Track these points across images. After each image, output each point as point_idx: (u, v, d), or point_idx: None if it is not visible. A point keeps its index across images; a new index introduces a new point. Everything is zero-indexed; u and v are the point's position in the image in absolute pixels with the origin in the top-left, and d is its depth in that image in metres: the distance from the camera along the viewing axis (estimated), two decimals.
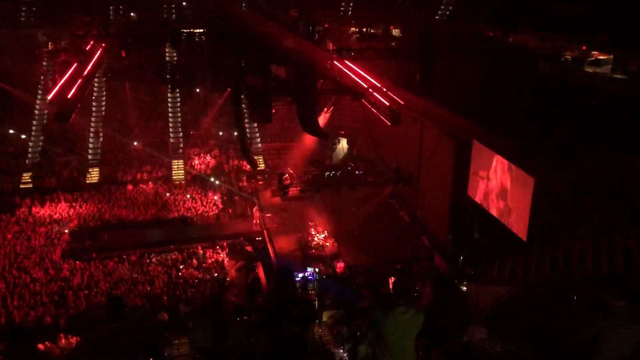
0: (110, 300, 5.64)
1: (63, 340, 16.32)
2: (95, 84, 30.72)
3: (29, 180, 29.73)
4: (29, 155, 30.72)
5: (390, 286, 5.59)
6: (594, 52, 17.17)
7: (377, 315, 5.18)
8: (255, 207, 26.99)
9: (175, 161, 31.50)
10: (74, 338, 16.27)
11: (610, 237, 14.52)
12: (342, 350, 16.76)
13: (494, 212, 19.42)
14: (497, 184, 18.97)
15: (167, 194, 29.04)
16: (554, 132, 15.86)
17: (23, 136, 31.24)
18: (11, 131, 31.22)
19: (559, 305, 11.67)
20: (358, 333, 16.92)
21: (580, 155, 14.61)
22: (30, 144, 30.97)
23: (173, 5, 31.99)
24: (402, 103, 21.42)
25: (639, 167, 13.22)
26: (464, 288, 18.09)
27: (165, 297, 20.16)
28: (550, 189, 16.07)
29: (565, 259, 15.38)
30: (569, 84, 16.58)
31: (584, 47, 17.44)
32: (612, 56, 16.64)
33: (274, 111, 24.12)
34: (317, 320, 17.78)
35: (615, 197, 14.02)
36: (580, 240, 15.23)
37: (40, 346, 15.97)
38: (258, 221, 26.30)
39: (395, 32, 26.00)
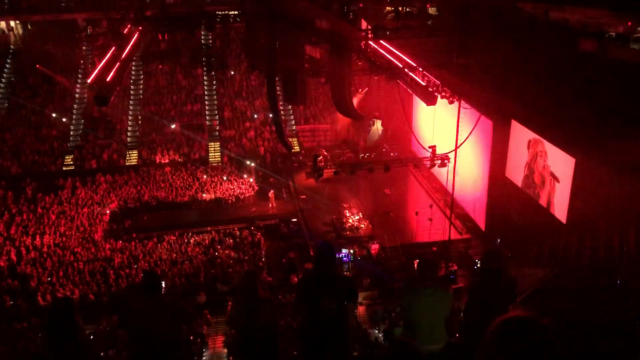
0: (146, 275, 5.67)
1: (105, 321, 16.76)
2: (133, 68, 31.21)
3: (71, 162, 30.55)
4: (71, 138, 31.52)
5: (415, 267, 5.53)
6: None
7: (405, 299, 5.14)
8: (271, 192, 27.08)
9: (212, 143, 31.86)
10: (115, 316, 16.72)
11: None
12: (377, 331, 16.86)
13: (533, 193, 19.07)
14: (537, 165, 18.59)
15: (204, 176, 29.45)
16: (596, 112, 15.40)
17: (64, 119, 32.02)
18: (54, 115, 32.00)
19: (601, 287, 11.45)
20: (393, 314, 17.01)
21: (622, 136, 14.16)
22: (72, 127, 31.76)
23: None
24: (439, 83, 21.10)
25: None
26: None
27: (202, 276, 20.58)
28: (592, 170, 15.67)
29: (606, 241, 15.04)
30: (612, 62, 16.01)
31: (629, 23, 16.78)
32: None
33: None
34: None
35: None
36: (621, 222, 14.84)
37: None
38: (274, 205, 26.38)
39: (432, 10, 25.48)
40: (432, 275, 5.12)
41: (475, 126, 21.80)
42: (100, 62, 22.57)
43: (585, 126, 15.25)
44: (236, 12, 24.26)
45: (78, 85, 32.26)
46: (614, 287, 11.10)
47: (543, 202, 18.68)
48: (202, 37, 30.90)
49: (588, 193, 16.01)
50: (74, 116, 31.94)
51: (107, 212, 25.93)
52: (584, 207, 16.29)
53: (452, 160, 22.98)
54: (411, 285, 5.27)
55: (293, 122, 33.63)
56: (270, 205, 26.53)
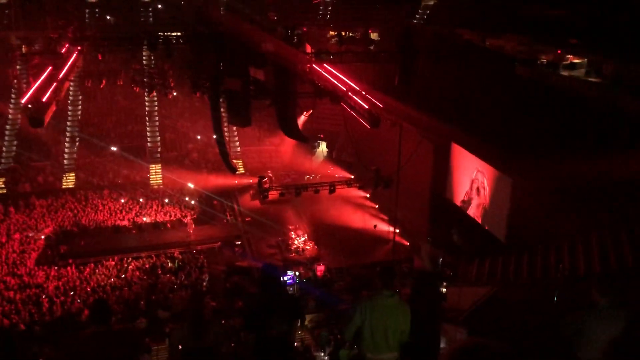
0: (95, 303, 5.39)
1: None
2: (71, 88, 30.23)
3: (3, 185, 29.10)
4: (3, 160, 30.07)
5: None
6: (569, 56, 17.46)
7: (366, 304, 5.06)
8: (189, 217, 26.34)
9: (153, 165, 31.14)
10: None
11: (586, 237, 14.75)
12: (322, 354, 16.70)
13: (473, 213, 19.61)
14: (476, 186, 19.16)
15: (143, 199, 28.67)
16: (531, 133, 16.08)
17: None
18: None
19: (539, 304, 11.79)
20: (338, 336, 16.92)
21: (556, 156, 14.81)
22: (4, 148, 30.33)
23: (150, 9, 31.72)
24: (381, 106, 21.50)
25: (613, 167, 13.44)
26: (444, 289, 18.14)
27: (142, 303, 19.88)
28: (528, 190, 16.28)
29: (543, 260, 15.57)
30: (545, 87, 16.82)
31: (559, 51, 17.72)
32: (586, 60, 16.95)
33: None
34: (300, 322, 17.69)
35: (591, 197, 14.24)
36: (557, 241, 15.43)
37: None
38: (192, 230, 25.15)
39: (374, 35, 26.13)
40: (390, 282, 5.16)
41: (416, 148, 22.28)
42: (35, 82, 21.76)
43: (523, 148, 15.87)
44: (179, 34, 24.02)
45: (11, 106, 30.91)
46: (551, 303, 11.50)
47: (482, 222, 19.23)
48: (144, 57, 30.35)
49: (525, 213, 16.58)
50: (6, 137, 30.54)
51: (42, 237, 24.74)
52: (522, 227, 16.85)
53: (395, 181, 23.37)
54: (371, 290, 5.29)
55: (238, 143, 33.37)
56: (189, 230, 25.17)
